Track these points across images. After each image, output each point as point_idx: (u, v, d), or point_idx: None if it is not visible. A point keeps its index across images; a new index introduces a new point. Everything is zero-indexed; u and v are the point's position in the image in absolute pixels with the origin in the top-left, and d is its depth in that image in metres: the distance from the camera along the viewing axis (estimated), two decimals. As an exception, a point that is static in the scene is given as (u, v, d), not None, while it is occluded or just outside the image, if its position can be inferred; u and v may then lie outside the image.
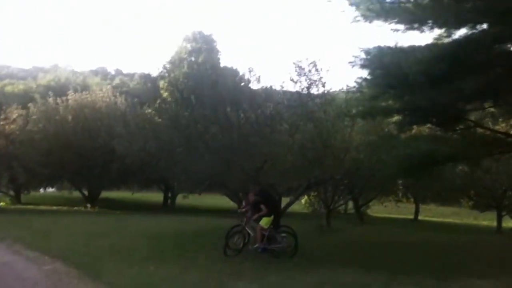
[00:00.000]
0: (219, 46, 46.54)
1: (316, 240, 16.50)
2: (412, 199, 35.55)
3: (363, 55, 11.91)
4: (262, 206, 12.99)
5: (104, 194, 37.43)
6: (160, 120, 16.03)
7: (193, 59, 36.05)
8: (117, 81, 61.41)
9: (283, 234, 13.21)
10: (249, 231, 13.17)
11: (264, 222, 12.91)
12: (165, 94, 16.18)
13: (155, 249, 13.69)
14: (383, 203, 31.81)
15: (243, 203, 13.80)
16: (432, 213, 40.18)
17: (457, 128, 14.70)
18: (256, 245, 12.93)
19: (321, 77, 14.15)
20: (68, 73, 63.72)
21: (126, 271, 10.42)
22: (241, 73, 15.66)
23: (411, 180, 16.91)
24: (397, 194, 32.61)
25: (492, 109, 15.46)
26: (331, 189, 20.33)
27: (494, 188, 25.19)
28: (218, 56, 45.00)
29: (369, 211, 32.91)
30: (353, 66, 12.28)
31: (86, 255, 12.31)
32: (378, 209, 35.31)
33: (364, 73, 13.60)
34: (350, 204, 29.90)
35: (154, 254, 12.71)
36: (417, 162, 10.88)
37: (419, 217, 35.27)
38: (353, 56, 12.12)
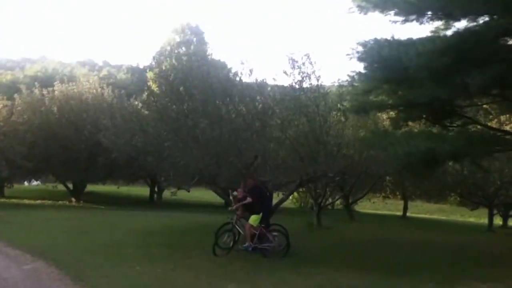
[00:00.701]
0: (209, 38, 46.06)
1: (307, 238, 16.10)
2: (398, 196, 35.32)
3: (360, 48, 11.48)
4: (248, 198, 12.56)
5: (89, 187, 36.75)
6: (147, 113, 15.43)
7: (182, 50, 35.43)
8: (104, 72, 60.43)
9: (275, 233, 12.78)
10: (239, 230, 12.72)
11: (253, 220, 12.47)
12: (153, 86, 15.52)
13: (142, 247, 13.19)
14: (370, 199, 31.43)
15: (233, 201, 13.32)
16: (419, 209, 40.04)
17: (453, 125, 14.47)
18: (246, 244, 12.49)
19: (314, 70, 13.62)
20: (55, 64, 62.60)
21: (111, 271, 9.90)
22: (232, 66, 15.02)
23: (408, 178, 16.58)
24: (386, 191, 32.44)
25: (485, 106, 15.25)
26: (321, 186, 19.93)
27: (485, 186, 24.98)
28: (207, 48, 44.56)
29: (356, 207, 32.60)
30: (350, 58, 11.89)
31: (70, 254, 11.79)
32: (364, 205, 35.06)
33: (360, 67, 13.27)
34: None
35: (141, 253, 12.22)
36: (417, 161, 10.49)
37: (407, 214, 34.95)
38: (351, 48, 11.71)
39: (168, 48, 39.64)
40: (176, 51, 30.72)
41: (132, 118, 14.69)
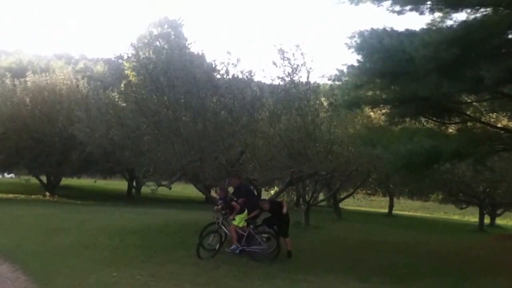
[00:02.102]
0: (188, 32, 45.16)
1: (296, 239, 15.20)
2: (381, 193, 35.00)
3: (358, 38, 10.63)
4: (234, 203, 11.69)
5: (65, 181, 35.52)
6: (125, 104, 14.33)
7: (159, 43, 34.31)
8: (81, 65, 58.67)
9: (264, 235, 11.91)
10: (226, 231, 11.84)
11: (238, 220, 11.58)
12: (131, 75, 14.42)
13: (119, 249, 12.19)
14: (355, 197, 30.88)
15: (218, 199, 12.38)
16: (402, 206, 39.90)
17: (452, 122, 13.81)
18: (233, 247, 11.60)
19: (305, 62, 12.75)
20: (31, 56, 60.65)
21: (84, 278, 8.94)
22: (215, 58, 13.91)
23: (405, 176, 15.95)
24: (372, 188, 32.01)
25: (484, 102, 14.57)
26: (310, 184, 19.21)
27: (475, 185, 24.62)
28: (186, 42, 43.72)
29: (340, 205, 32.05)
30: (348, 48, 11.00)
31: (39, 256, 10.84)
32: (348, 202, 34.51)
33: (351, 60, 12.51)
34: (320, 197, 28.96)
35: (117, 256, 11.23)
36: (420, 159, 9.70)
37: (392, 212, 34.56)
38: (348, 37, 10.84)
39: (146, 40, 38.53)
40: (154, 44, 29.45)
41: (109, 110, 13.56)
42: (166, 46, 13.47)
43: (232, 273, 10.00)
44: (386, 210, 35.35)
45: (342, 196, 26.43)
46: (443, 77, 9.35)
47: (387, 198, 36.67)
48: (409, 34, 10.24)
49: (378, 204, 38.98)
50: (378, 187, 32.18)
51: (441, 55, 8.85)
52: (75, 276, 9.08)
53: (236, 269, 10.32)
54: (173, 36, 45.28)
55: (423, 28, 10.37)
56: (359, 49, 10.88)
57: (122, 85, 14.90)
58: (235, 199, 11.95)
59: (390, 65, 10.30)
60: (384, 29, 10.88)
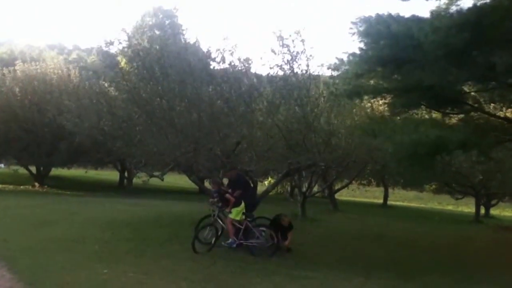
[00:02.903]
0: (184, 22, 44.64)
1: (294, 232, 14.90)
2: (375, 183, 34.79)
3: (362, 24, 10.12)
4: (228, 196, 11.22)
5: (56, 171, 34.87)
6: (116, 93, 13.73)
7: (153, 33, 33.72)
8: (74, 55, 57.67)
9: (262, 228, 11.47)
10: (222, 224, 11.38)
11: (234, 213, 11.11)
12: (122, 62, 13.83)
13: (110, 242, 11.69)
14: (349, 187, 30.54)
15: (213, 192, 11.88)
16: (396, 197, 39.57)
17: (455, 112, 13.40)
18: (230, 241, 11.15)
19: (305, 49, 12.24)
20: (23, 46, 59.52)
21: (72, 276, 8.40)
22: (211, 46, 13.25)
23: (412, 168, 15.54)
24: (368, 179, 31.76)
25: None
26: (307, 176, 18.80)
27: (472, 176, 24.38)
28: (181, 31, 43.11)
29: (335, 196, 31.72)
30: (352, 34, 10.50)
31: (26, 251, 10.26)
32: (342, 193, 34.05)
33: (353, 48, 12.01)
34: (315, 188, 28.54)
35: (108, 251, 10.71)
36: (426, 150, 9.27)
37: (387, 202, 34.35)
38: (353, 23, 10.32)
39: (140, 30, 37.90)
40: (148, 34, 28.75)
41: (99, 99, 12.96)
42: (159, 33, 12.81)
43: (230, 269, 9.56)
44: (381, 201, 35.23)
45: (337, 187, 25.95)
46: (452, 64, 8.89)
47: (381, 189, 36.70)
48: (417, 20, 9.73)
49: (372, 195, 38.74)
50: (373, 178, 31.93)
51: (450, 41, 8.37)
52: (64, 273, 8.55)
53: (233, 265, 9.89)
54: (167, 25, 44.69)
55: (431, 13, 9.83)
56: (364, 35, 10.37)
57: (113, 72, 14.29)
58: (229, 191, 11.48)
59: (396, 51, 9.82)
60: (390, 15, 10.40)
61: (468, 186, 25.60)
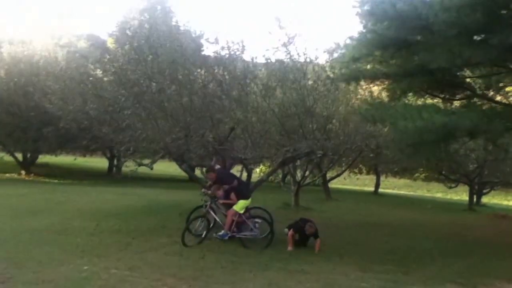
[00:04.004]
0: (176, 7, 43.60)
1: (285, 222, 14.25)
2: (365, 171, 34.34)
3: (367, 4, 9.49)
4: (232, 196, 10.60)
5: (43, 158, 33.92)
6: (102, 74, 12.91)
7: (144, 16, 32.67)
8: (65, 40, 56.26)
9: (257, 220, 10.84)
10: (215, 216, 10.74)
11: (240, 206, 10.46)
12: (109, 42, 13.03)
13: (94, 234, 11.03)
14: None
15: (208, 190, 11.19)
16: (386, 184, 39.17)
17: (457, 98, 12.87)
18: (222, 232, 10.51)
19: (301, 32, 11.58)
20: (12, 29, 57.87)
21: (49, 272, 7.73)
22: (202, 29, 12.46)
23: (414, 155, 15.07)
24: (360, 167, 31.27)
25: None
26: (301, 164, 18.20)
27: (465, 164, 24.13)
28: (173, 15, 42.12)
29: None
30: (357, 13, 9.88)
31: (4, 244, 9.67)
32: (332, 181, 33.90)
33: (352, 32, 11.34)
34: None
35: (91, 244, 10.06)
36: (432, 137, 8.69)
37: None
38: (357, 2, 9.67)
39: (131, 15, 36.84)
40: (140, 18, 27.72)
41: (84, 80, 12.15)
42: (147, 26, 11.89)
43: (220, 264, 8.91)
44: (371, 188, 34.91)
45: (331, 176, 25.27)
46: (464, 45, 8.26)
47: (371, 176, 36.43)
48: (422, 1, 9.13)
49: (362, 182, 38.15)
50: (365, 166, 31.45)
51: (463, 21, 7.75)
52: (40, 269, 7.87)
53: (224, 259, 9.26)
54: (159, 10, 43.63)
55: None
56: (368, 15, 9.77)
57: (99, 53, 13.50)
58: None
59: (402, 32, 9.19)
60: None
61: (462, 174, 25.22)
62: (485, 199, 31.67)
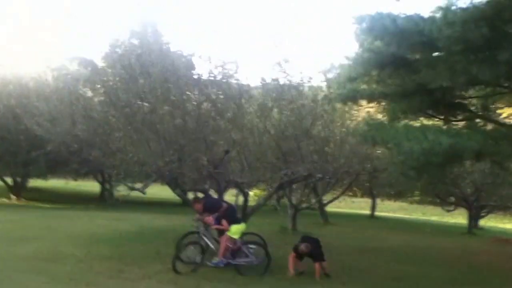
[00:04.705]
0: (167, 30, 43.37)
1: (285, 247, 13.80)
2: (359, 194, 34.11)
3: (367, 21, 9.20)
4: (224, 223, 10.15)
5: (35, 183, 33.34)
6: (92, 94, 12.49)
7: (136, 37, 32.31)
8: (56, 63, 56.08)
9: (251, 246, 10.37)
10: (208, 242, 10.27)
11: (234, 231, 10.01)
12: (99, 60, 12.69)
13: (84, 261, 10.48)
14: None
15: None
16: (381, 207, 38.59)
17: (458, 119, 12.60)
18: (217, 260, 10.04)
19: (296, 52, 11.25)
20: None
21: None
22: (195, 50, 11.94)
23: (418, 179, 14.78)
24: (355, 190, 30.93)
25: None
26: (298, 187, 17.82)
27: (463, 187, 23.79)
28: (164, 36, 41.81)
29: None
30: (355, 30, 9.59)
31: (-11, 273, 9.08)
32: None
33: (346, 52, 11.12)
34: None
35: (81, 272, 9.52)
36: (439, 159, 8.33)
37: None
38: (355, 18, 9.38)
39: (120, 39, 36.46)
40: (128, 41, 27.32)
41: (72, 100, 11.72)
42: (139, 51, 11.46)
43: (218, 293, 8.45)
44: (366, 212, 34.57)
45: (327, 199, 24.82)
46: (471, 61, 7.97)
47: (366, 199, 36.23)
48: (422, 17, 8.86)
49: (357, 206, 37.72)
50: (360, 189, 31.14)
51: (468, 36, 7.46)
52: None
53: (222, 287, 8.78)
54: (149, 33, 43.55)
55: (439, 8, 8.90)
56: (367, 31, 9.45)
57: (88, 70, 13.13)
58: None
59: (403, 49, 8.91)
60: (391, 13, 9.52)
61: (461, 198, 24.90)
62: (481, 222, 31.41)
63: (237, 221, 10.27)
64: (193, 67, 10.74)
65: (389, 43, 9.07)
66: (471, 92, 11.74)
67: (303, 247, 10.42)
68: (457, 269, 12.52)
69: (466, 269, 12.70)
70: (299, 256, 10.47)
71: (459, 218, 36.89)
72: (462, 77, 8.31)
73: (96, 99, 12.39)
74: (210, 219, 10.28)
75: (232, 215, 10.44)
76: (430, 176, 11.29)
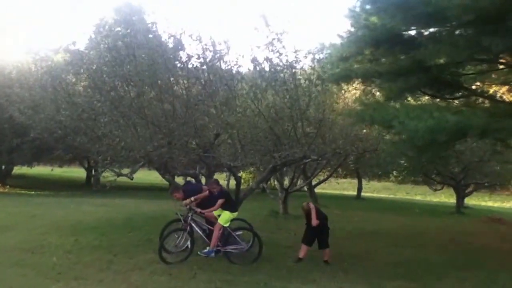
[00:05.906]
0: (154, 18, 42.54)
1: (277, 232, 13.52)
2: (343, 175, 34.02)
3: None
4: (220, 201, 9.77)
5: (20, 170, 32.78)
6: (75, 79, 11.91)
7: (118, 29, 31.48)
8: (41, 54, 54.97)
9: (239, 232, 10.01)
10: (196, 228, 9.88)
11: (225, 219, 9.66)
12: (82, 43, 12.11)
13: (71, 252, 10.08)
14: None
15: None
16: (365, 188, 38.78)
17: (455, 97, 12.31)
18: (207, 249, 9.65)
19: (290, 30, 10.80)
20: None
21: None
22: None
23: (423, 159, 14.50)
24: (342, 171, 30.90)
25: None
26: (288, 170, 17.54)
27: (452, 166, 23.74)
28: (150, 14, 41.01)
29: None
30: (355, 3, 9.23)
31: (-34, 267, 8.67)
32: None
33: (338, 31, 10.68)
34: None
35: (68, 264, 9.11)
36: (445, 137, 8.04)
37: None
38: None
39: (106, 27, 35.59)
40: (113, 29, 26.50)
41: (56, 86, 11.15)
42: (125, 40, 10.80)
43: (214, 284, 8.07)
44: (351, 192, 34.81)
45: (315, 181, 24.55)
46: (483, 32, 7.59)
47: (349, 180, 37.15)
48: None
49: (341, 186, 37.67)
50: (347, 170, 30.95)
51: (480, 4, 7.08)
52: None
53: (217, 278, 8.40)
54: (135, 20, 42.51)
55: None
56: (372, 2, 9.03)
57: (67, 55, 12.53)
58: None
59: (407, 21, 8.51)
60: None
61: (449, 177, 24.89)
62: (465, 201, 31.60)
63: (235, 210, 9.94)
64: (182, 47, 10.20)
65: (393, 15, 8.64)
66: (467, 69, 11.40)
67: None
68: (455, 252, 12.37)
69: (464, 251, 12.55)
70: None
71: (442, 197, 37.28)
72: (465, 52, 7.96)
73: (81, 84, 11.82)
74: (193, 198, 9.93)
75: (231, 202, 10.07)
76: (433, 154, 10.96)
